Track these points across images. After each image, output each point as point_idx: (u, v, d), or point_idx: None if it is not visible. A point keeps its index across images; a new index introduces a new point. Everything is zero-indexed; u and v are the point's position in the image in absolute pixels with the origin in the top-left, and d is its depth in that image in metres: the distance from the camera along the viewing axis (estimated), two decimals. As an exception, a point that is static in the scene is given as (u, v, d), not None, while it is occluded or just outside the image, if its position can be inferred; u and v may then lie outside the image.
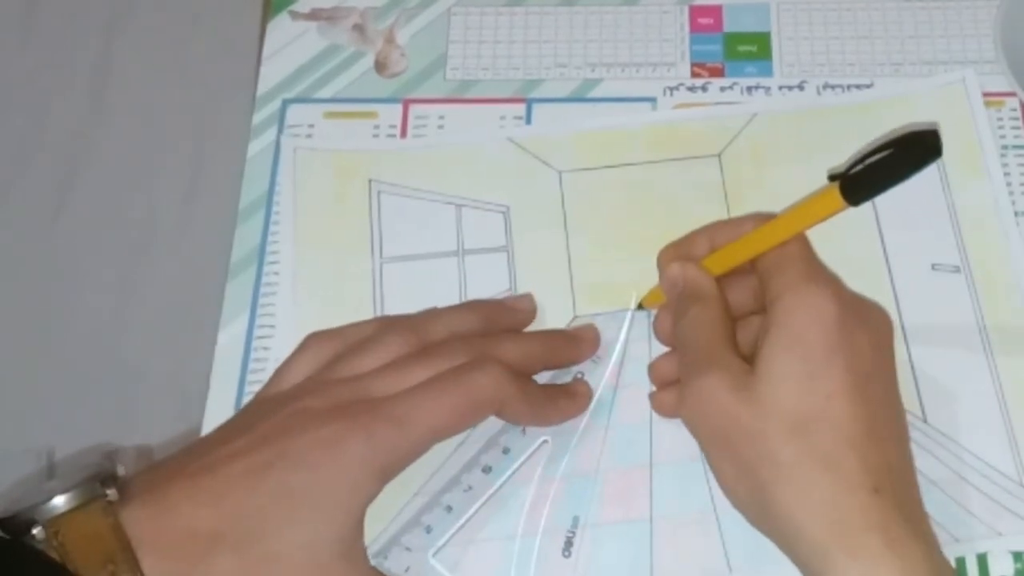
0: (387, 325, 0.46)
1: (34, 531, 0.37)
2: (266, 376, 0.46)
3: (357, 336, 0.45)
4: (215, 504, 0.38)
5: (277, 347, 0.50)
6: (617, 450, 0.47)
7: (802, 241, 0.43)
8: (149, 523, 0.38)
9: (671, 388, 0.46)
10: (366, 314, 0.51)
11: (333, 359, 0.44)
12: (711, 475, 0.46)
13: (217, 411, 0.49)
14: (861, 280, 0.50)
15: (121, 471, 0.40)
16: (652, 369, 0.48)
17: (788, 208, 0.44)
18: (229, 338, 0.51)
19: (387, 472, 0.41)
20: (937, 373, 0.49)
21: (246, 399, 0.49)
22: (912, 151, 0.39)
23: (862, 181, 0.39)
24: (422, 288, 0.51)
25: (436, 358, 0.43)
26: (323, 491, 0.39)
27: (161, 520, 0.38)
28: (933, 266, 0.51)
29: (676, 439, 0.46)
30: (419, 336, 0.45)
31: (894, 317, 0.50)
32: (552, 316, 0.51)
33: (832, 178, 0.40)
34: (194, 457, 0.40)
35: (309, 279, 0.52)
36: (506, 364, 0.44)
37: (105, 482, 0.38)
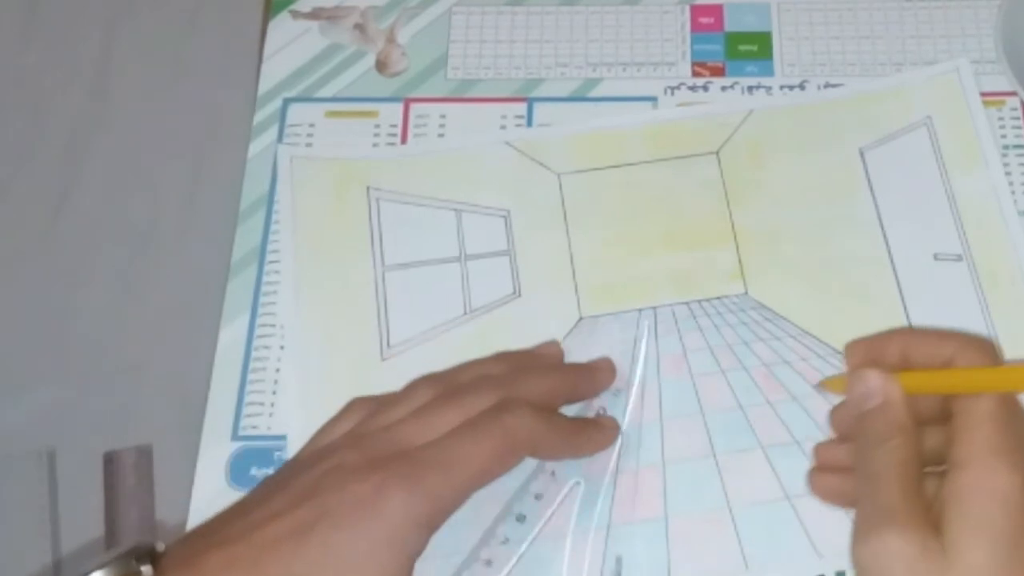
0: (417, 380, 0.45)
1: None
2: (267, 376, 0.46)
3: (392, 396, 0.45)
4: (250, 573, 0.37)
5: (276, 353, 0.50)
6: (630, 449, 0.47)
7: (1001, 401, 0.38)
8: None
9: (837, 474, 0.44)
10: (370, 322, 0.51)
11: (367, 417, 0.44)
12: (724, 472, 0.45)
13: (217, 411, 0.49)
14: (865, 272, 0.51)
15: (160, 547, 0.39)
16: (817, 450, 0.45)
17: (1006, 364, 0.40)
18: (230, 338, 0.51)
19: (433, 522, 0.39)
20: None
21: (247, 399, 0.49)
22: None
23: None
24: (425, 295, 0.51)
25: (463, 399, 0.43)
26: (368, 549, 0.38)
27: None
28: (935, 256, 0.51)
29: (688, 437, 0.46)
30: (446, 385, 0.44)
31: (898, 307, 0.50)
32: (557, 318, 0.50)
33: None
34: (230, 523, 0.40)
35: (312, 291, 0.52)
36: (532, 403, 0.43)
37: (140, 558, 0.38)
